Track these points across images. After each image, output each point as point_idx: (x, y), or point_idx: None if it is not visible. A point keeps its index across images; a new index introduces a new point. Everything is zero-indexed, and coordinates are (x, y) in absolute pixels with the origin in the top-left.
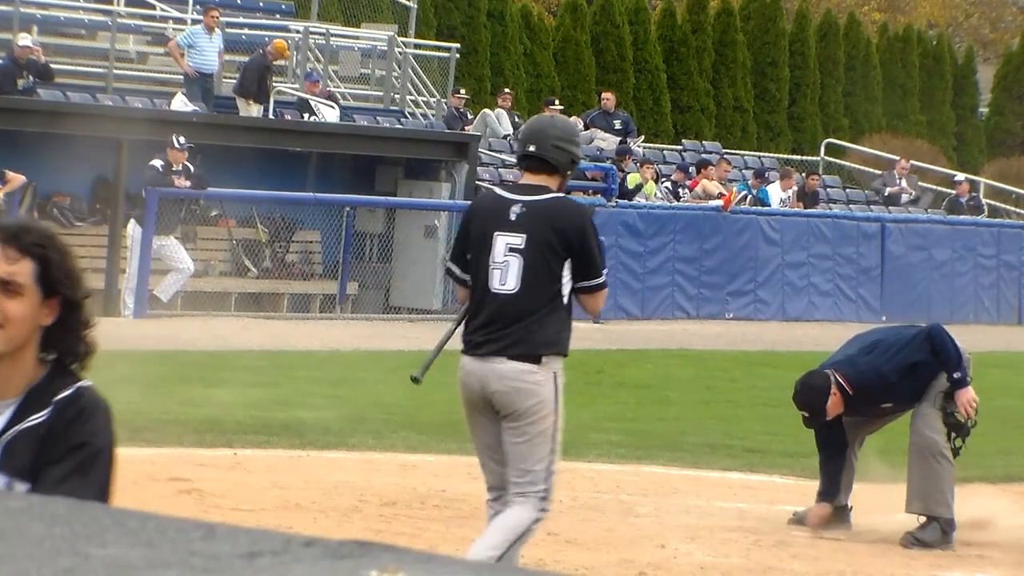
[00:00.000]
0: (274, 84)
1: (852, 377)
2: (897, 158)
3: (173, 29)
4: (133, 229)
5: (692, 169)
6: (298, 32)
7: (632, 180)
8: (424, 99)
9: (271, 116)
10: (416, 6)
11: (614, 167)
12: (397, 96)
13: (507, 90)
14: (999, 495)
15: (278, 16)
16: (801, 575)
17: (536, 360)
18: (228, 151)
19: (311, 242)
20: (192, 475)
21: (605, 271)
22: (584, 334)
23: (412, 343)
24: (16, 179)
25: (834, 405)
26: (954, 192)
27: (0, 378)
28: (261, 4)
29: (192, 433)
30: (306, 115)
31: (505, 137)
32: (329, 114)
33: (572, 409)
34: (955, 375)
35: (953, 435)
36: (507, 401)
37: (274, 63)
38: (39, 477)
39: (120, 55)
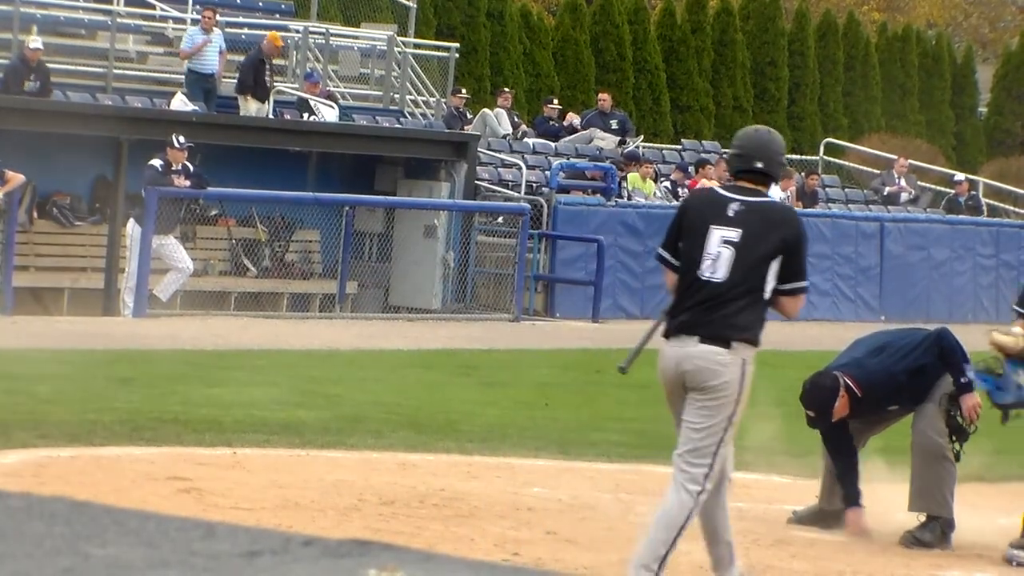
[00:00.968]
0: (274, 83)
1: (861, 379)
2: (895, 157)
3: (173, 29)
4: (132, 228)
5: (691, 168)
6: (298, 32)
7: (632, 182)
8: (424, 99)
9: (271, 115)
10: (415, 6)
11: (613, 167)
12: (396, 96)
13: (507, 90)
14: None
15: (278, 16)
16: (801, 574)
17: (726, 344)
18: (228, 151)
19: (310, 241)
20: (192, 474)
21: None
22: (584, 334)
23: (411, 342)
24: (15, 179)
25: (841, 407)
26: (953, 192)
27: None
28: (261, 4)
29: (192, 433)
30: (306, 115)
31: (504, 137)
32: (329, 114)
33: (572, 409)
34: (962, 380)
35: (953, 438)
36: (696, 379)
37: (270, 57)
38: None
39: (120, 55)
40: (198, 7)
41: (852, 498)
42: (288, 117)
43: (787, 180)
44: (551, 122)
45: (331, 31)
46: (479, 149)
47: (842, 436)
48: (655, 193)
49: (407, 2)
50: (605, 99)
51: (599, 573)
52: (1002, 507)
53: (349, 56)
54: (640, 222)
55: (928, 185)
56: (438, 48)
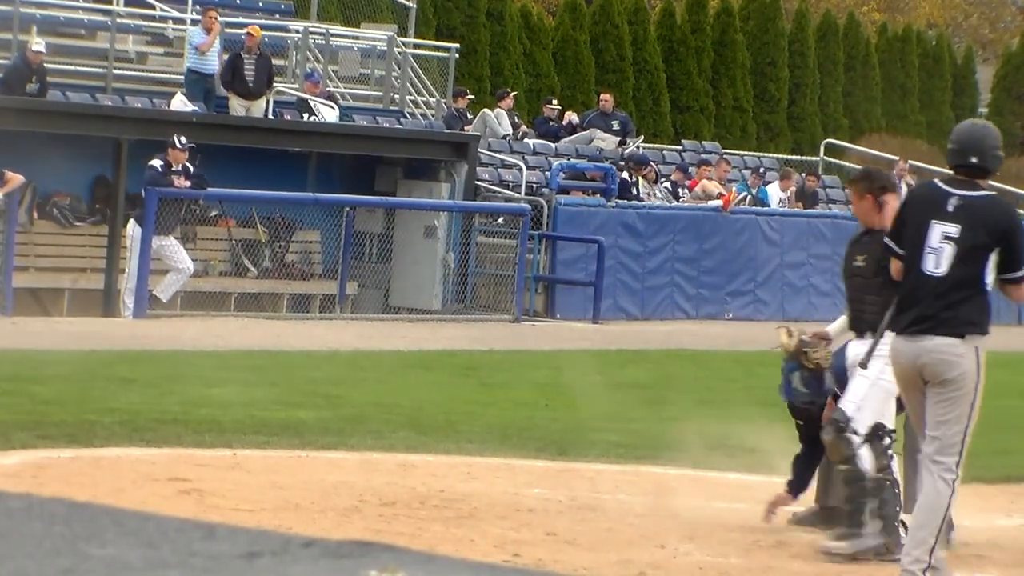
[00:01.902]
0: (273, 83)
1: None
2: (897, 158)
3: (173, 29)
4: (133, 229)
5: (693, 169)
6: (298, 32)
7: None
8: (424, 99)
9: (271, 116)
10: (415, 6)
11: (613, 168)
12: (396, 96)
13: (510, 91)
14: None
15: (277, 16)
16: (801, 575)
17: (960, 336)
18: (228, 151)
19: (311, 242)
20: (192, 475)
21: None
22: (584, 334)
23: (411, 343)
24: (15, 179)
25: (829, 415)
26: None
27: None
28: (261, 4)
29: (192, 433)
30: (306, 115)
31: (504, 137)
32: (329, 114)
33: (572, 409)
34: None
35: None
36: (935, 372)
37: (251, 49)
38: None
39: (119, 55)
40: (198, 7)
41: (797, 486)
42: (288, 117)
43: (787, 180)
44: (551, 122)
45: (331, 31)
46: (479, 150)
47: (818, 432)
48: (655, 194)
49: (407, 2)
50: (607, 100)
51: (599, 573)
52: (1002, 507)
53: (349, 56)
54: (640, 223)
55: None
56: (438, 48)
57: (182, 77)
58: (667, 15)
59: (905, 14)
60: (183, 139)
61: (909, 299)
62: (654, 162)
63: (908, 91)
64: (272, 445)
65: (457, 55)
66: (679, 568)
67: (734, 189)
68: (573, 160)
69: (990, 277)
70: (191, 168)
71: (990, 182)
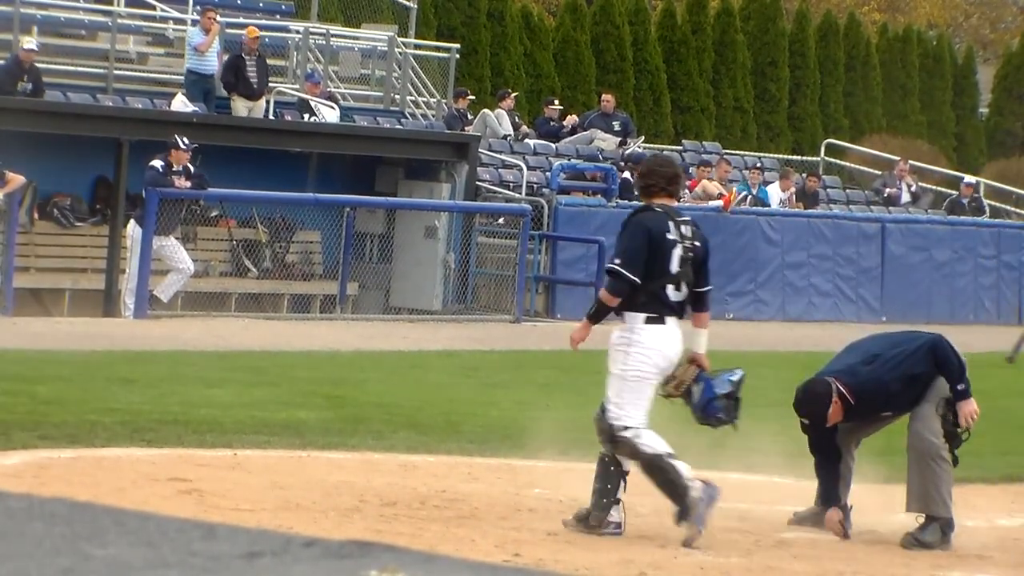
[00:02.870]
0: (271, 82)
1: (854, 386)
2: (897, 158)
3: (173, 30)
4: (133, 229)
5: (694, 169)
6: (298, 32)
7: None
8: (424, 99)
9: (271, 116)
10: (416, 6)
11: (614, 168)
12: (397, 96)
13: (511, 91)
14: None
15: (278, 16)
16: (801, 575)
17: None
18: (228, 151)
19: (311, 242)
20: (192, 475)
21: None
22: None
23: (412, 344)
24: (16, 180)
25: (835, 413)
26: (956, 193)
27: None
28: (261, 4)
29: (192, 433)
30: (306, 116)
31: (505, 138)
32: (329, 115)
33: (572, 409)
34: (959, 387)
35: (947, 444)
36: None
37: (250, 52)
38: None
39: (120, 55)
40: (198, 7)
41: (831, 498)
42: (289, 118)
43: (787, 181)
44: (552, 123)
45: (332, 32)
46: (480, 150)
47: (825, 435)
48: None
49: (407, 3)
50: (608, 100)
51: (599, 573)
52: (1002, 507)
53: (350, 57)
54: None
55: (929, 186)
56: (439, 49)
57: (183, 77)
58: (668, 15)
59: (906, 14)
60: (186, 140)
61: None
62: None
63: (909, 91)
64: (273, 445)
65: (458, 55)
66: (679, 568)
67: (734, 189)
68: (574, 160)
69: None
70: (192, 168)
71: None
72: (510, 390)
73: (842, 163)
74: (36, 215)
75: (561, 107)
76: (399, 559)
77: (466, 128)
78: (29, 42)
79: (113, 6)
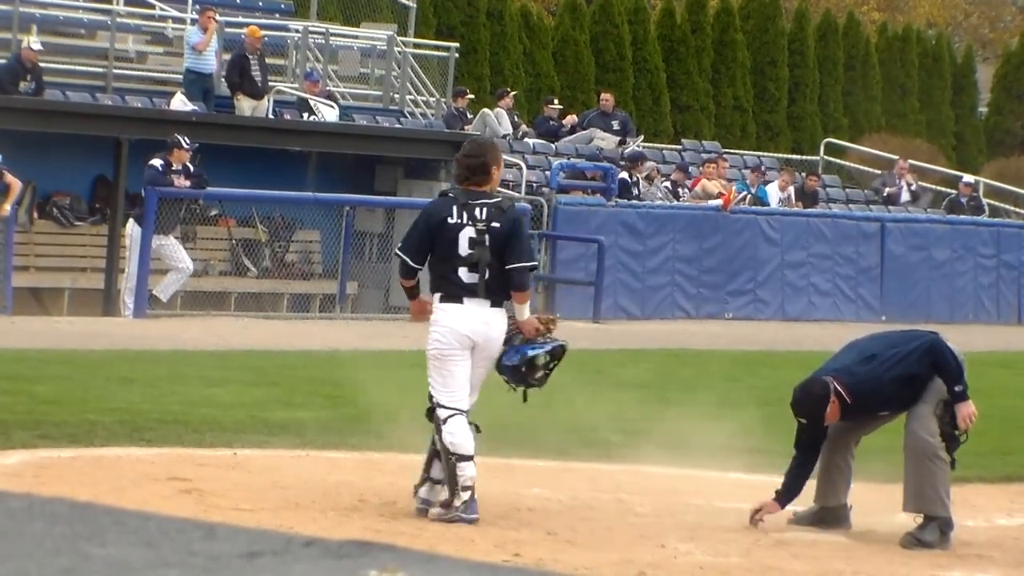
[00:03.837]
0: (271, 82)
1: (851, 386)
2: (896, 158)
3: (173, 29)
4: (132, 229)
5: (699, 168)
6: (297, 32)
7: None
8: (423, 99)
9: (271, 115)
10: (415, 5)
11: (613, 167)
12: (396, 96)
13: (510, 90)
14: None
15: (277, 16)
16: (801, 575)
17: None
18: (228, 151)
19: (311, 242)
20: (192, 475)
21: None
22: (584, 334)
23: (412, 343)
24: (14, 187)
25: (832, 413)
26: (955, 192)
27: None
28: (260, 4)
29: (192, 433)
30: (306, 115)
31: (504, 137)
32: (329, 114)
33: (572, 409)
34: (956, 389)
35: (945, 445)
36: None
37: (254, 51)
38: None
39: (119, 55)
40: (197, 7)
41: (787, 494)
42: (288, 117)
43: (787, 180)
44: (551, 122)
45: (331, 31)
46: None
47: (818, 435)
48: (655, 194)
49: (407, 2)
50: (608, 99)
51: (599, 573)
52: (1001, 507)
53: (349, 56)
54: (640, 222)
55: (928, 185)
56: (438, 48)
57: (182, 77)
58: (667, 15)
59: (905, 13)
60: (187, 139)
61: None
62: (655, 162)
63: (908, 90)
64: (272, 445)
65: (457, 55)
66: (679, 568)
67: (734, 188)
68: (573, 160)
69: None
70: (191, 168)
71: None
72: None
73: (841, 162)
74: (35, 214)
75: (560, 106)
76: (399, 559)
77: (465, 127)
78: (33, 41)
79: (112, 5)
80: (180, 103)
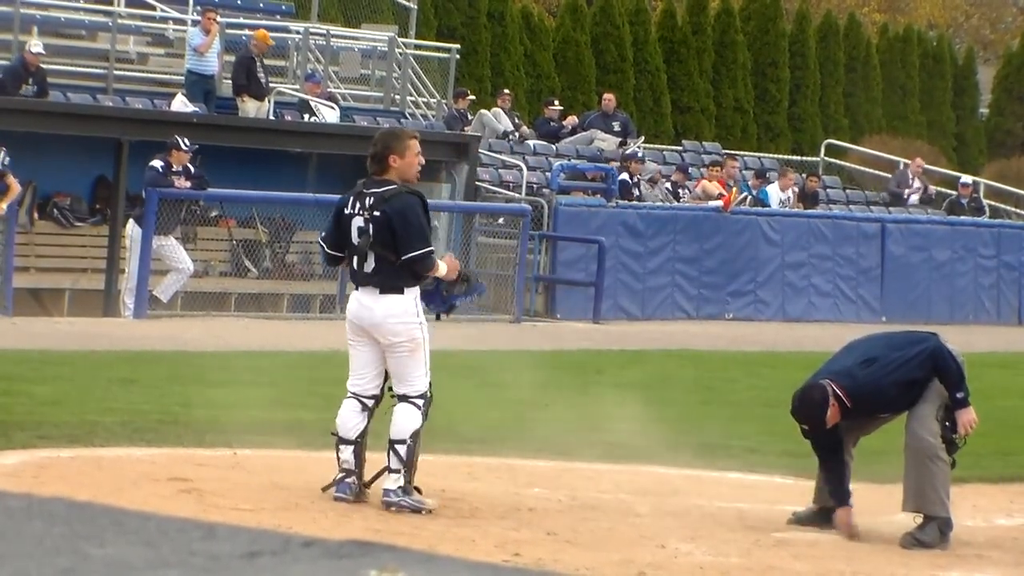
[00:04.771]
0: (271, 83)
1: (851, 389)
2: (896, 158)
3: (173, 30)
4: (133, 229)
5: (702, 169)
6: (298, 33)
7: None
8: (424, 100)
9: (271, 116)
10: (416, 7)
11: (614, 168)
12: (397, 97)
13: (507, 91)
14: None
15: (278, 17)
16: (801, 575)
17: None
18: (228, 152)
19: (311, 242)
20: (192, 475)
21: None
22: (584, 334)
23: None
24: (14, 189)
25: (832, 416)
26: (955, 193)
27: None
28: (261, 5)
29: (192, 433)
30: (306, 116)
31: (505, 134)
32: (329, 115)
33: (572, 409)
34: (958, 395)
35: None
36: None
37: (260, 54)
38: None
39: (120, 56)
40: (198, 8)
41: (840, 497)
42: (289, 118)
43: (788, 180)
44: (552, 123)
45: (332, 32)
46: (479, 150)
47: (828, 434)
48: (655, 194)
49: (408, 3)
50: (609, 100)
51: (599, 573)
52: (1001, 507)
53: (350, 57)
54: (641, 223)
55: (929, 186)
56: (439, 49)
57: (183, 78)
58: (668, 16)
59: (906, 15)
60: (186, 140)
61: None
62: (656, 163)
63: (909, 92)
64: (272, 445)
65: (458, 56)
66: (679, 568)
67: (735, 189)
68: (574, 160)
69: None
70: (192, 169)
71: None
72: (510, 390)
73: (842, 163)
74: (36, 215)
75: (561, 107)
76: (399, 559)
77: (466, 128)
78: (36, 44)
79: (113, 6)
80: (181, 104)
